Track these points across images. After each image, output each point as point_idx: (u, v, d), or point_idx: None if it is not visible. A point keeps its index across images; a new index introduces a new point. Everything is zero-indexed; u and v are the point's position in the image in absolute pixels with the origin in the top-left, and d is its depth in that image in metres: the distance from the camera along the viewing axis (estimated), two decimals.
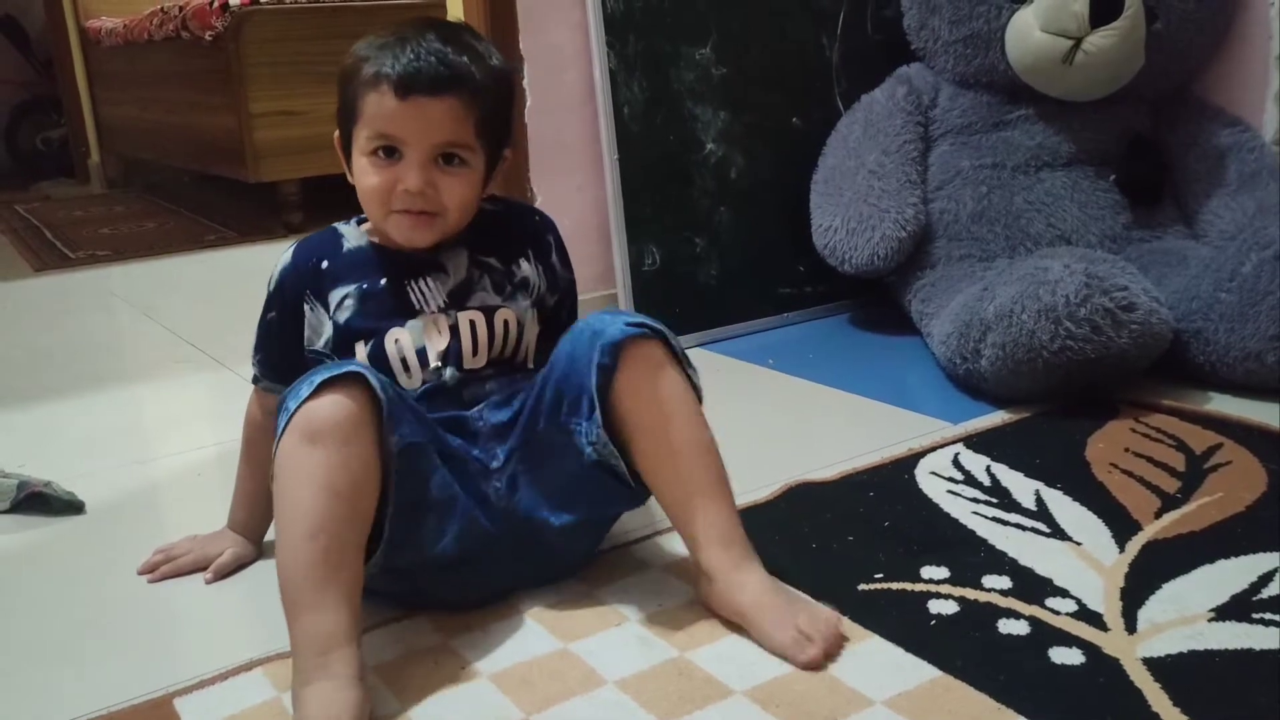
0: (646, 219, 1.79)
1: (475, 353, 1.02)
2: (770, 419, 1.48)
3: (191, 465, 1.42)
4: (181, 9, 3.18)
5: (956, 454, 1.28)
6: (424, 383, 1.01)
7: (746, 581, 0.93)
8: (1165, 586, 0.97)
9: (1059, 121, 1.72)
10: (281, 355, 1.05)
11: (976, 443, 1.32)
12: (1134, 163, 1.72)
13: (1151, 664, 0.86)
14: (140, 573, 1.10)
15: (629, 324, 0.94)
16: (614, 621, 0.96)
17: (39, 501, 1.27)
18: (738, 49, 1.84)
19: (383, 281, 1.02)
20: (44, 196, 4.25)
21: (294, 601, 0.86)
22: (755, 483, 1.20)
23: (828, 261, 1.77)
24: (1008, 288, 1.41)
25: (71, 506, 1.28)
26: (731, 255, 1.86)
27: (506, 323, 1.04)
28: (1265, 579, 0.97)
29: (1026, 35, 1.66)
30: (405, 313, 1.02)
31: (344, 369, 0.88)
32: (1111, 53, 1.62)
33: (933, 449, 1.30)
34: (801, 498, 1.19)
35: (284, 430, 0.87)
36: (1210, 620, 0.91)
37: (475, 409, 1.00)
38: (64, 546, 1.21)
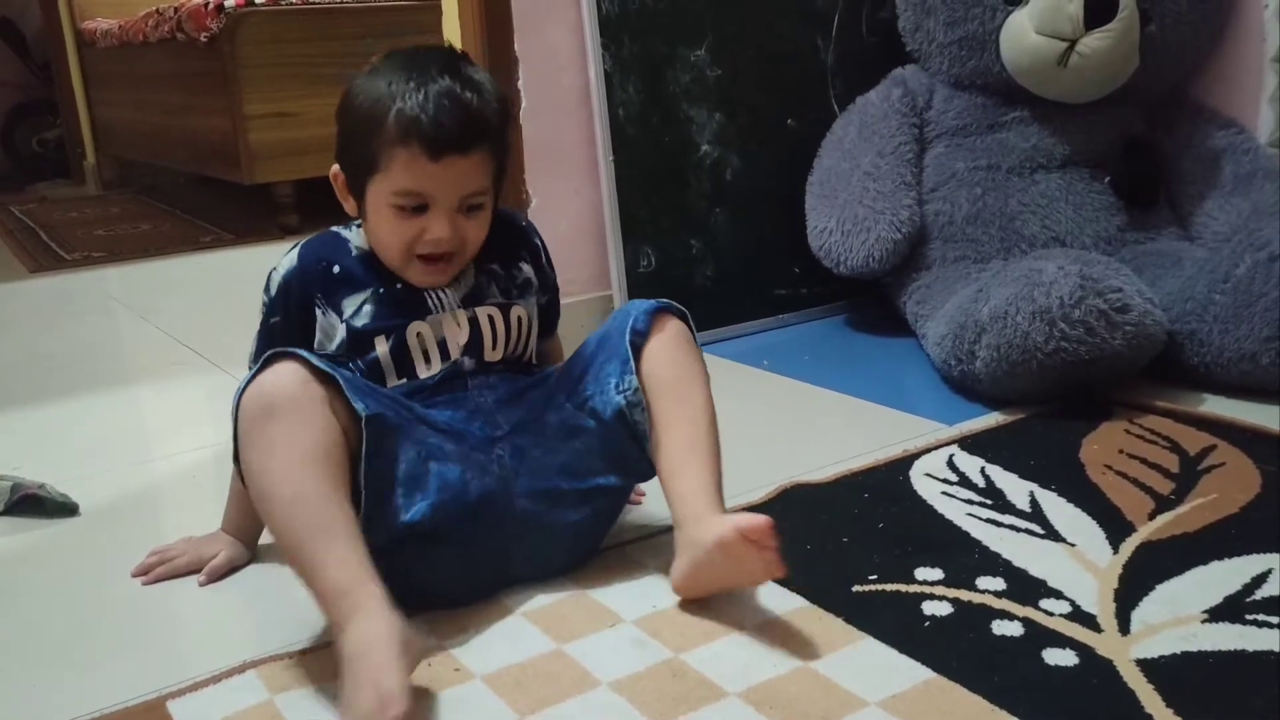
0: (642, 221, 1.79)
1: (494, 346, 1.05)
2: (765, 420, 1.48)
3: (187, 467, 1.42)
4: (177, 10, 3.18)
5: (951, 455, 1.29)
6: (440, 369, 1.02)
7: (711, 516, 0.96)
8: (1159, 588, 0.97)
9: (1054, 123, 1.72)
10: None
11: (971, 444, 1.32)
12: (1129, 164, 1.72)
13: (1145, 665, 0.86)
14: (135, 574, 1.10)
15: (659, 302, 1.05)
16: (608, 622, 0.96)
17: (33, 503, 1.27)
18: (733, 51, 1.84)
19: (399, 285, 1.03)
20: (40, 198, 4.24)
21: (302, 565, 0.87)
22: (750, 484, 1.20)
23: (823, 263, 1.77)
24: (1002, 289, 1.41)
25: (66, 509, 1.27)
26: (727, 257, 1.86)
27: (520, 318, 1.08)
28: (1259, 580, 0.97)
29: (1021, 37, 1.66)
30: (423, 312, 1.03)
31: (286, 350, 0.91)
32: (1106, 55, 1.63)
33: (927, 450, 1.30)
34: (796, 499, 1.19)
35: (238, 411, 0.90)
36: (1204, 622, 0.91)
37: (475, 389, 1.03)
38: (58, 549, 1.21)
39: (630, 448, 1.01)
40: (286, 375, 0.90)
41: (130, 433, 1.60)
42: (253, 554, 1.12)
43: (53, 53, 4.45)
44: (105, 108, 4.31)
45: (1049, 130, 1.72)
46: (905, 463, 1.27)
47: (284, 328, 1.04)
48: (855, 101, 1.86)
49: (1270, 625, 0.90)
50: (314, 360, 0.91)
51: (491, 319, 1.05)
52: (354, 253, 1.05)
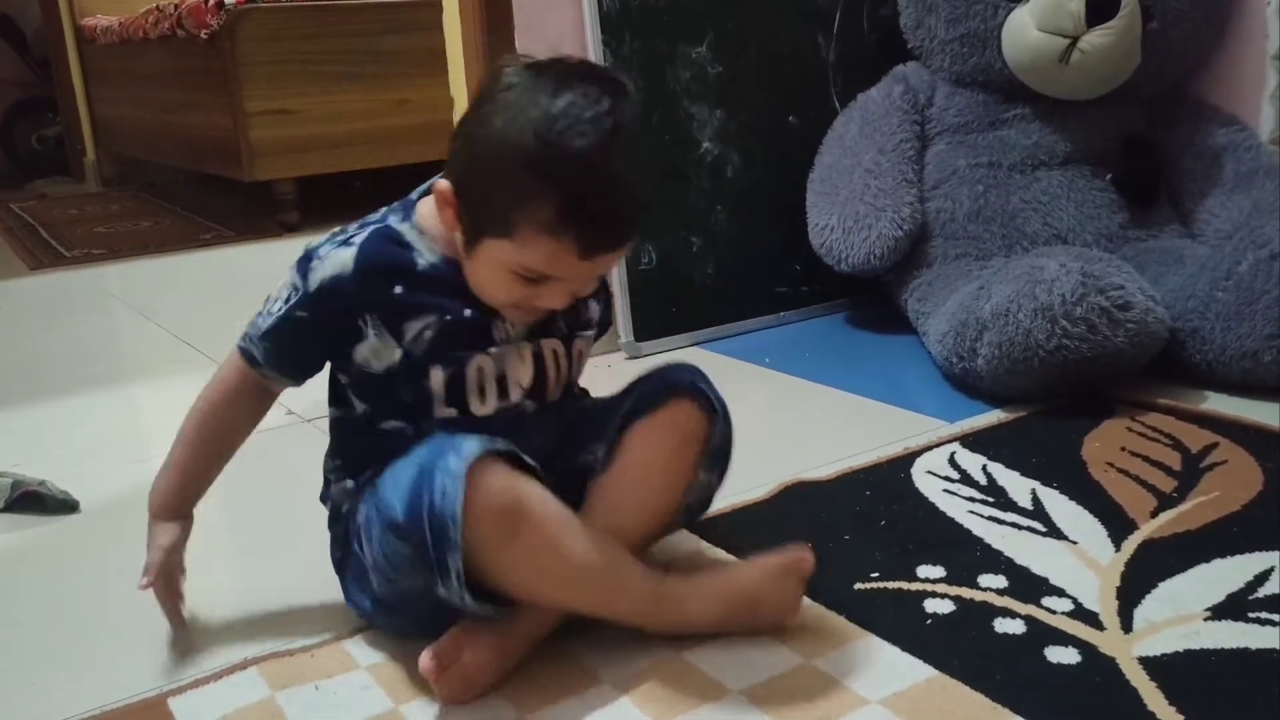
0: (643, 218, 1.78)
1: (557, 382, 0.96)
2: (767, 418, 1.48)
3: None
4: (177, 7, 3.18)
5: (953, 453, 1.28)
6: (497, 410, 0.93)
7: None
8: (1161, 585, 0.97)
9: (1055, 120, 1.72)
10: (300, 357, 0.95)
11: (973, 442, 1.32)
12: (1130, 162, 1.72)
13: (1147, 663, 0.85)
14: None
15: (697, 386, 0.96)
16: (609, 621, 0.96)
17: (34, 501, 1.27)
18: (734, 48, 1.83)
19: (467, 312, 0.90)
20: (40, 195, 4.24)
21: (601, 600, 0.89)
22: (751, 482, 1.20)
23: (824, 260, 1.77)
24: (1004, 287, 1.41)
25: (66, 506, 1.27)
26: (728, 254, 1.86)
27: (580, 352, 0.99)
28: (1261, 578, 0.97)
29: (1023, 34, 1.66)
30: (487, 342, 0.92)
31: (493, 447, 0.83)
32: (1108, 52, 1.62)
33: (929, 448, 1.30)
34: (798, 497, 1.19)
35: (456, 528, 0.80)
36: (1206, 619, 0.91)
37: (527, 429, 0.95)
38: (58, 546, 1.20)
39: None
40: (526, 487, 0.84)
41: (130, 430, 1.60)
42: (189, 526, 1.00)
43: (52, 50, 4.45)
44: (105, 105, 4.31)
45: (1050, 127, 1.72)
46: (907, 460, 1.27)
47: (313, 327, 0.91)
48: (856, 99, 1.86)
49: (1273, 623, 0.90)
50: (503, 448, 0.84)
51: (556, 354, 0.95)
52: (419, 264, 0.91)
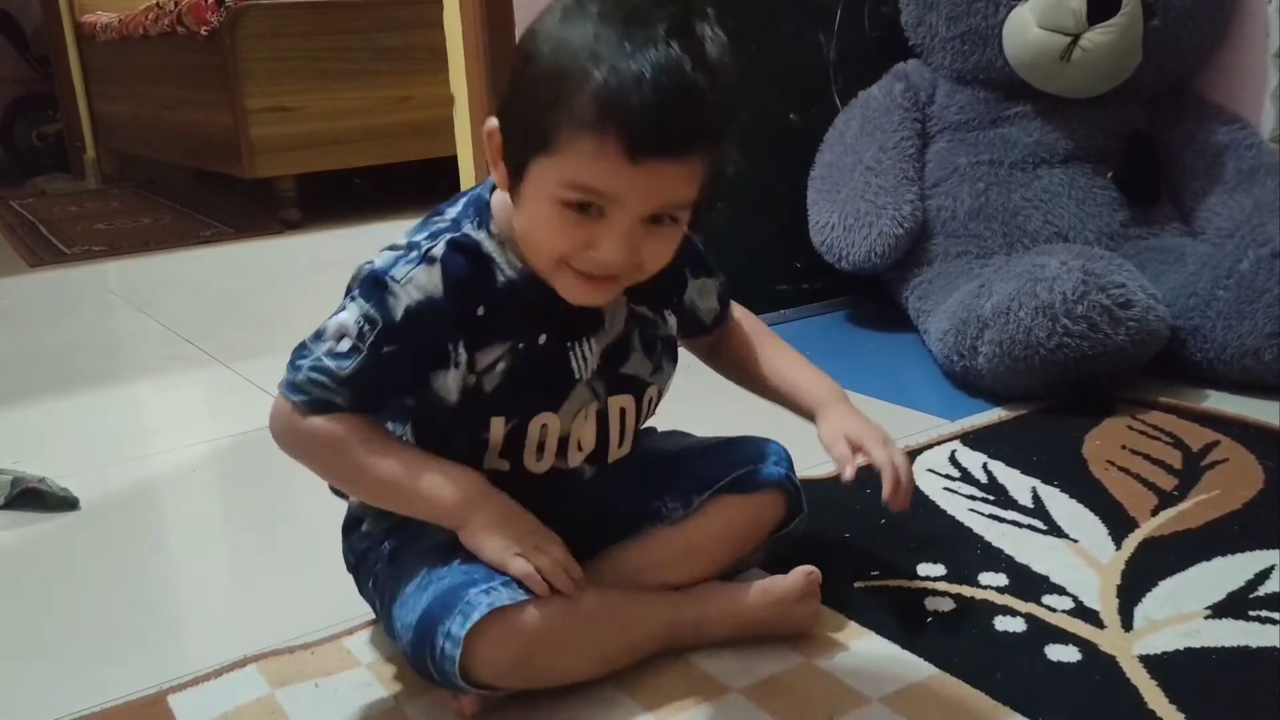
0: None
1: (621, 444, 0.92)
2: (766, 416, 1.47)
3: (187, 462, 1.41)
4: (177, 4, 3.18)
5: (953, 451, 1.28)
6: (553, 469, 0.88)
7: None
8: (1162, 584, 0.97)
9: (1056, 118, 1.72)
10: (391, 392, 0.84)
11: (973, 440, 1.31)
12: (1131, 160, 1.72)
13: (1148, 661, 0.85)
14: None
15: (784, 477, 0.96)
16: None
17: (34, 497, 1.27)
18: (734, 45, 1.81)
19: (541, 340, 0.84)
20: (39, 192, 4.24)
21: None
22: None
23: (825, 258, 1.77)
24: (1005, 285, 1.41)
25: (66, 503, 1.27)
26: (728, 252, 1.83)
27: (651, 400, 0.93)
28: (1262, 576, 0.97)
29: (1024, 31, 1.66)
30: (561, 384, 0.85)
31: (500, 604, 0.79)
32: (1109, 49, 1.62)
33: (930, 446, 1.30)
34: None
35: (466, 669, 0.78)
36: (1206, 618, 0.91)
37: (588, 484, 0.93)
38: (58, 543, 1.20)
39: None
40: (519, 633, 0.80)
41: (130, 427, 1.60)
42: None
43: (52, 47, 4.44)
44: (105, 102, 4.30)
45: (1052, 125, 1.72)
46: (907, 458, 1.26)
47: (400, 362, 0.81)
48: (857, 96, 1.85)
49: (1273, 621, 0.90)
50: (507, 601, 0.79)
51: (624, 411, 0.89)
52: (499, 281, 0.82)
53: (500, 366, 0.83)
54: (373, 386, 0.82)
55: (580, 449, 0.89)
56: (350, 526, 0.97)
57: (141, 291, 2.49)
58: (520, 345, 0.83)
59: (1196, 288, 1.44)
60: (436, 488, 0.83)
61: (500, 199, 0.83)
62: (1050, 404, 1.41)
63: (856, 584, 1.00)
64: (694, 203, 0.79)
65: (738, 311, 1.04)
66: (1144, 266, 1.53)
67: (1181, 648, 0.87)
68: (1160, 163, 1.75)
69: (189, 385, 1.76)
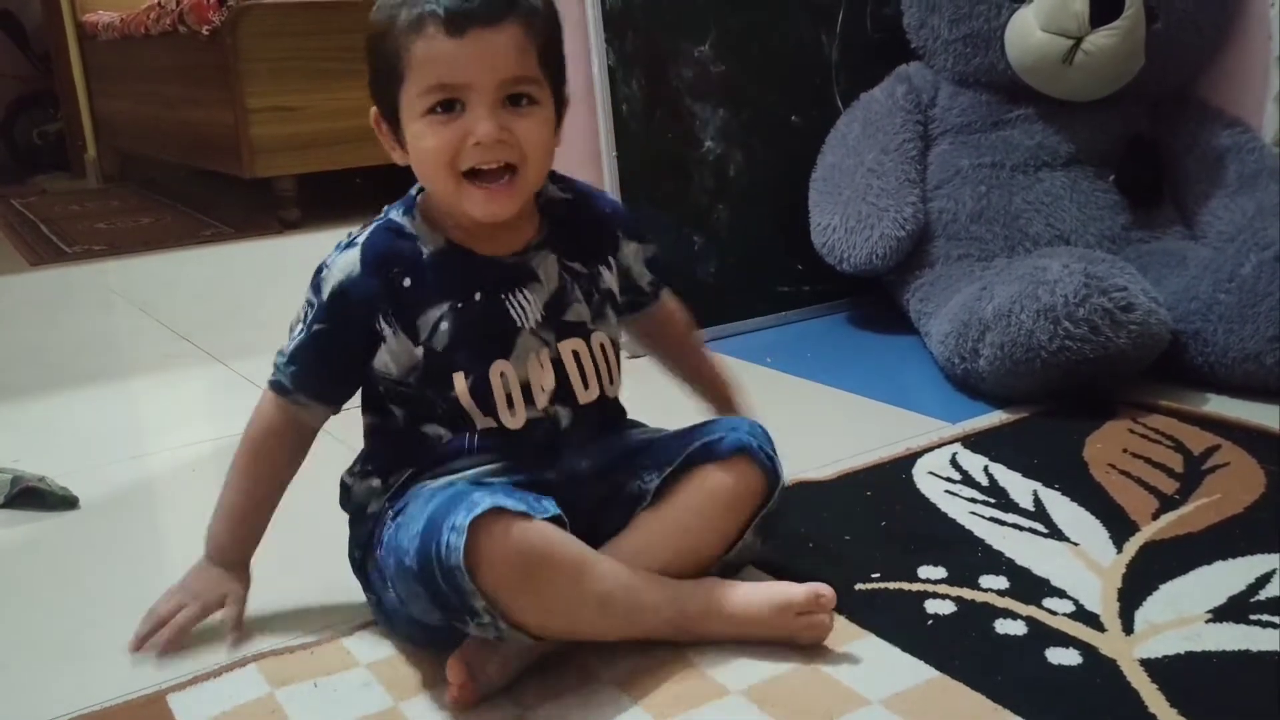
0: (645, 216, 1.78)
1: (586, 385, 0.94)
2: (767, 417, 1.47)
3: (187, 461, 1.41)
4: (179, 3, 3.18)
5: (954, 454, 1.28)
6: (529, 420, 0.91)
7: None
8: (1163, 587, 0.97)
9: (1058, 121, 1.72)
10: (329, 374, 0.93)
11: (974, 442, 1.31)
12: (1133, 163, 1.72)
13: (1149, 665, 0.85)
14: (135, 649, 0.95)
15: (763, 446, 0.96)
16: None
17: (33, 496, 1.27)
18: (737, 46, 1.83)
19: (477, 296, 0.90)
20: (40, 191, 4.24)
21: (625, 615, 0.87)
22: None
23: (826, 260, 1.77)
24: (1006, 287, 1.41)
25: (66, 502, 1.27)
26: (730, 253, 1.85)
27: (603, 346, 0.96)
28: (1263, 580, 0.97)
29: (1026, 34, 1.66)
30: (506, 332, 0.91)
31: (504, 504, 0.82)
32: (1111, 53, 1.62)
33: (930, 448, 1.30)
34: (798, 497, 1.18)
35: (468, 575, 0.79)
36: (1208, 622, 0.91)
37: (569, 452, 0.94)
38: (58, 542, 1.20)
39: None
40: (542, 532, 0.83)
41: (130, 426, 1.60)
42: (249, 578, 1.00)
43: (53, 45, 4.45)
44: (106, 101, 4.31)
45: (1054, 128, 1.72)
46: (908, 461, 1.27)
47: (332, 339, 0.91)
48: (859, 98, 1.85)
49: (1274, 625, 0.90)
50: (510, 505, 0.82)
51: (577, 355, 0.93)
52: (424, 254, 0.90)
53: (444, 326, 0.89)
54: (310, 364, 0.92)
55: (543, 390, 0.92)
56: (357, 518, 0.97)
57: (142, 290, 2.49)
58: (458, 304, 0.90)
59: (1198, 291, 1.44)
60: (218, 518, 0.98)
61: (427, 196, 0.93)
62: (1051, 407, 1.40)
63: (857, 586, 0.99)
64: (543, 83, 0.87)
65: (672, 302, 1.07)
66: (1145, 270, 1.53)
67: (1182, 651, 0.87)
68: (1162, 166, 1.75)
69: (189, 384, 1.76)
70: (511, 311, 0.91)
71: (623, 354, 1.00)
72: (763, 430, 0.98)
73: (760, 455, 0.95)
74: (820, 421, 1.46)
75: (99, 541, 1.19)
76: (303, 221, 3.05)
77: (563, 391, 0.93)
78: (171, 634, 0.94)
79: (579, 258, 0.96)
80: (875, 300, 1.87)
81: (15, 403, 1.70)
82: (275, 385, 0.94)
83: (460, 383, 0.89)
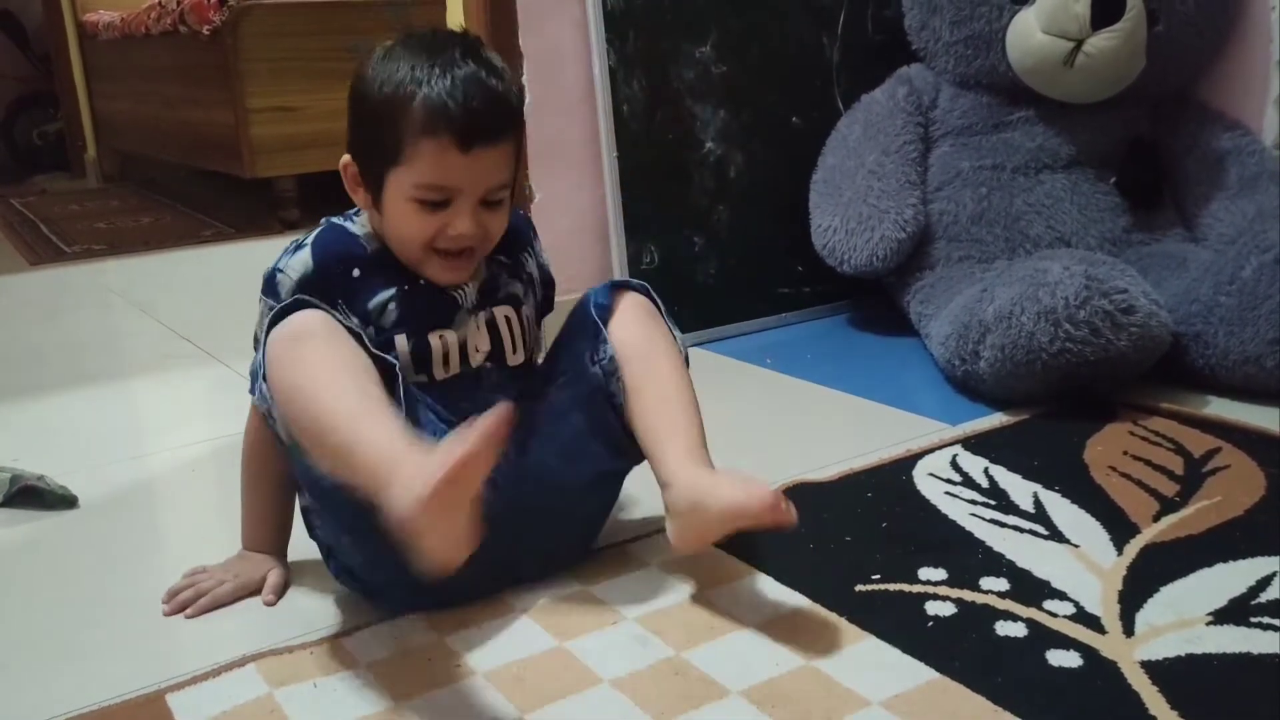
0: (645, 217, 1.78)
1: (514, 349, 1.03)
2: (768, 419, 1.48)
3: (186, 460, 1.41)
4: (180, 3, 3.17)
5: (955, 455, 1.28)
6: (459, 373, 1.00)
7: (705, 472, 0.95)
8: (1163, 590, 0.97)
9: (1059, 123, 1.72)
10: None
11: (975, 444, 1.31)
12: (1134, 165, 1.72)
13: (1149, 667, 0.85)
14: (171, 611, 1.01)
15: (615, 280, 1.05)
16: (610, 620, 0.96)
17: (32, 495, 1.27)
18: (738, 47, 1.83)
19: (421, 281, 0.99)
20: (40, 190, 4.24)
21: (341, 446, 0.82)
22: None
23: (826, 262, 1.77)
24: (1007, 289, 1.41)
25: (65, 501, 1.27)
26: (730, 254, 1.85)
27: (528, 318, 1.06)
28: (1263, 583, 0.97)
29: (1027, 36, 1.66)
30: (448, 308, 1.00)
31: (308, 299, 0.91)
32: (1113, 55, 1.62)
33: (931, 450, 1.30)
34: (799, 498, 1.18)
35: (267, 344, 0.88)
36: (1208, 624, 0.91)
37: (492, 392, 1.00)
38: (57, 541, 1.20)
39: (614, 421, 1.01)
40: (314, 315, 0.89)
41: (129, 425, 1.60)
42: (284, 562, 1.06)
43: (54, 45, 4.44)
44: (106, 101, 4.30)
45: (1054, 130, 1.72)
46: (908, 462, 1.27)
47: None
48: (860, 100, 1.85)
49: (1275, 628, 0.90)
50: (336, 315, 0.91)
51: (509, 320, 1.03)
52: (368, 250, 1.00)
53: (391, 306, 0.98)
54: None
55: (479, 350, 1.01)
56: (310, 524, 1.02)
57: (141, 290, 2.49)
58: (404, 287, 0.98)
59: (1199, 294, 1.44)
60: (244, 518, 1.06)
61: (364, 213, 1.02)
62: (1052, 409, 1.40)
63: (857, 587, 0.99)
64: (510, 186, 0.98)
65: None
66: (1146, 272, 1.53)
67: (1183, 654, 0.87)
68: (1163, 169, 1.75)
69: (188, 384, 1.76)
70: (454, 293, 1.00)
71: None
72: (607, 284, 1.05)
73: (624, 285, 1.04)
74: (821, 423, 1.46)
75: (98, 541, 1.19)
76: (303, 221, 3.05)
77: (496, 352, 1.02)
78: (210, 602, 1.01)
79: (504, 250, 1.05)
80: (876, 302, 1.87)
81: (14, 402, 1.69)
82: (255, 391, 0.96)
83: (402, 341, 0.97)
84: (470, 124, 0.91)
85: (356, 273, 0.98)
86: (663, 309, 1.05)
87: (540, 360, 1.10)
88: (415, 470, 0.75)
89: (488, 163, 0.94)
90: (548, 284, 1.14)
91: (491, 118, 0.93)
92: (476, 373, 1.01)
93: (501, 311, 1.03)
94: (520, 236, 1.10)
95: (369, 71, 0.96)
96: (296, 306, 0.91)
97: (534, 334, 1.08)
